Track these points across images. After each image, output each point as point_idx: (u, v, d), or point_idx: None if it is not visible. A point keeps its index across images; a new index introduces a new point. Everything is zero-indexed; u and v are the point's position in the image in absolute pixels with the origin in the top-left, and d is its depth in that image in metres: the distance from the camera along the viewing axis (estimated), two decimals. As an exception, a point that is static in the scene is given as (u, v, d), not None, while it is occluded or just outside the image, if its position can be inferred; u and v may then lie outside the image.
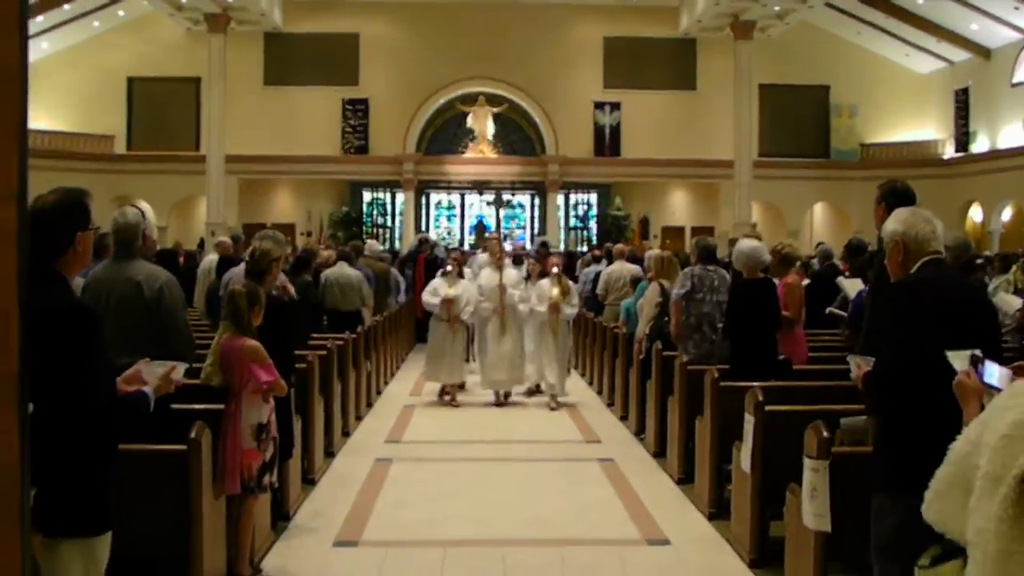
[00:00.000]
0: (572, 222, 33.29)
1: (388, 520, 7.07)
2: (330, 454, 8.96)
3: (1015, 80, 27.08)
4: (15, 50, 2.20)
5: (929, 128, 30.87)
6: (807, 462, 4.99)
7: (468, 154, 31.97)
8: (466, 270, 13.27)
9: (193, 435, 4.88)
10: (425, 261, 18.08)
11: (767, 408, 6.07)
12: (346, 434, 9.90)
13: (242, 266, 7.55)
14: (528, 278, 12.53)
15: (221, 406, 5.51)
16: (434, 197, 33.29)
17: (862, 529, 4.55)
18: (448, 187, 33.00)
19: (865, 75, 30.76)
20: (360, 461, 8.90)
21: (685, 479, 8.04)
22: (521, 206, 33.52)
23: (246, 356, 5.47)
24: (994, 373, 3.30)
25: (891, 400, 4.07)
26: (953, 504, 3.10)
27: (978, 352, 3.40)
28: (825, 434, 4.98)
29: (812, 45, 30.56)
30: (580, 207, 33.34)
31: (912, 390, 3.88)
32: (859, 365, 4.17)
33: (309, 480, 7.93)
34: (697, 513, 7.30)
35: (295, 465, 7.24)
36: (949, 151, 29.91)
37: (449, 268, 12.31)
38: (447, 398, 12.14)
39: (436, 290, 12.08)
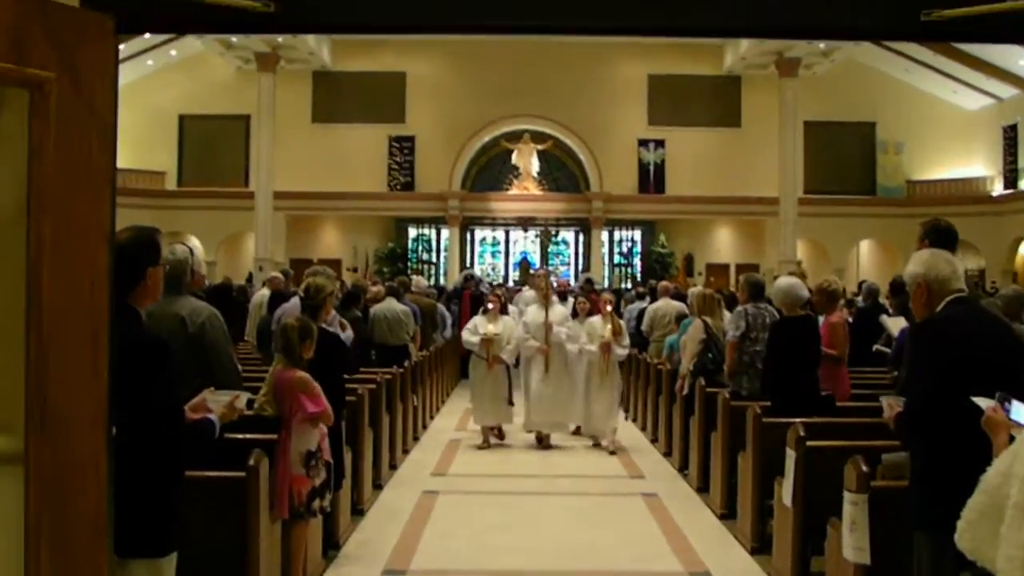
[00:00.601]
0: (616, 259, 33.36)
1: (436, 550, 7.22)
2: (378, 486, 9.12)
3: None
4: (112, 107, 2.41)
5: (977, 165, 30.61)
6: (847, 496, 5.08)
7: (513, 191, 32.20)
8: (511, 307, 12.60)
9: (252, 462, 5.07)
10: (471, 297, 18.30)
11: (808, 443, 6.16)
12: (393, 467, 10.05)
13: (294, 301, 7.78)
14: (575, 316, 12.04)
15: (274, 436, 5.69)
16: (479, 233, 33.54)
17: (902, 562, 4.64)
18: (493, 224, 33.24)
19: (912, 112, 30.57)
20: (407, 493, 9.06)
21: (728, 514, 8.11)
22: (565, 243, 33.66)
23: (296, 387, 5.68)
24: (1022, 410, 3.43)
25: (921, 438, 4.16)
26: (985, 533, 3.21)
27: (1004, 392, 3.54)
28: (864, 468, 5.07)
29: (858, 82, 30.51)
30: (624, 244, 33.41)
31: (941, 427, 3.96)
32: (891, 405, 4.27)
33: (358, 511, 8.10)
34: (739, 547, 7.38)
35: (345, 496, 7.40)
36: (998, 188, 29.62)
37: (490, 306, 11.77)
38: (494, 439, 11.71)
39: (476, 328, 11.67)
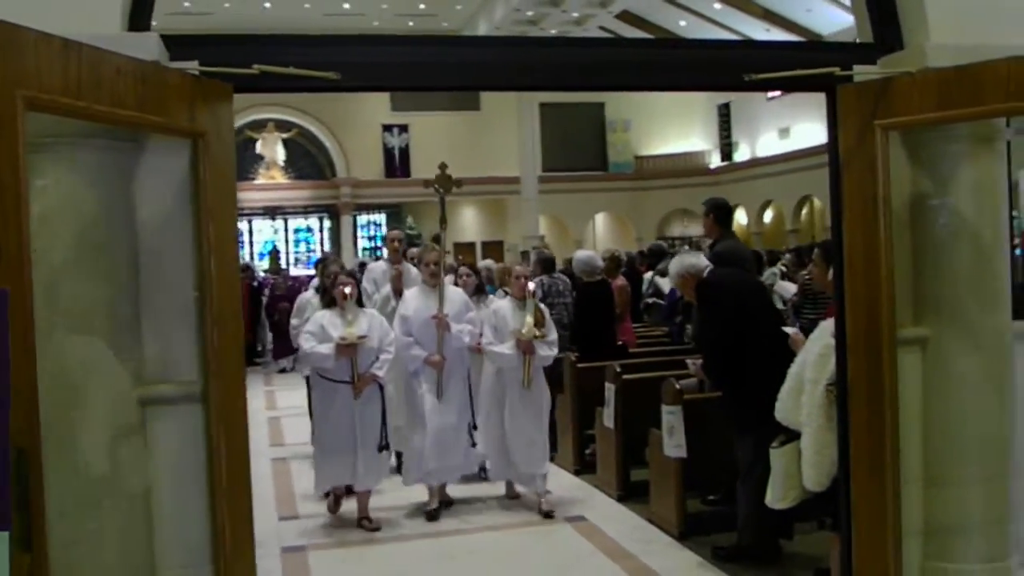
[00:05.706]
0: (364, 243, 34.26)
1: (312, 500, 8.24)
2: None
3: (770, 95, 29.65)
4: (233, 147, 3.48)
5: (697, 139, 33.58)
6: (664, 408, 6.61)
7: (259, 180, 32.53)
8: (374, 292, 9.12)
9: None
10: (248, 288, 16.93)
11: (624, 377, 7.71)
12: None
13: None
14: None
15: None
16: (221, 224, 33.48)
17: (707, 454, 6.41)
18: (240, 214, 33.26)
19: (635, 92, 32.79)
20: (257, 461, 9.89)
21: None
22: (310, 229, 34.32)
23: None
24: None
25: (723, 370, 6.00)
26: (791, 404, 4.96)
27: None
28: (677, 386, 6.62)
29: (584, 65, 32.57)
30: (371, 228, 34.43)
31: (735, 356, 5.84)
32: (694, 363, 6.40)
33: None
34: (564, 472, 8.82)
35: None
36: (715, 161, 32.73)
37: (348, 290, 7.17)
38: (362, 521, 7.42)
39: (322, 328, 7.18)
